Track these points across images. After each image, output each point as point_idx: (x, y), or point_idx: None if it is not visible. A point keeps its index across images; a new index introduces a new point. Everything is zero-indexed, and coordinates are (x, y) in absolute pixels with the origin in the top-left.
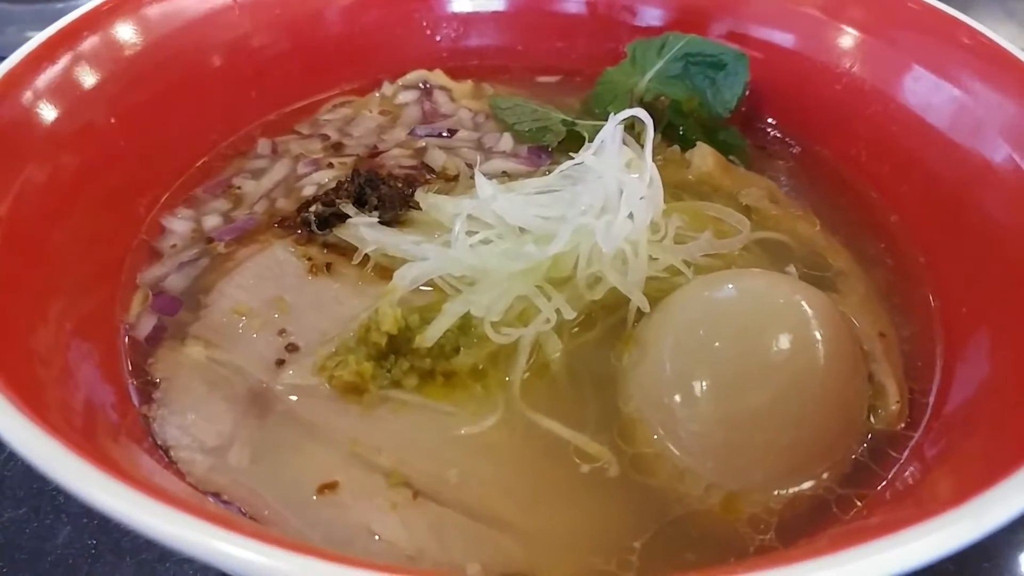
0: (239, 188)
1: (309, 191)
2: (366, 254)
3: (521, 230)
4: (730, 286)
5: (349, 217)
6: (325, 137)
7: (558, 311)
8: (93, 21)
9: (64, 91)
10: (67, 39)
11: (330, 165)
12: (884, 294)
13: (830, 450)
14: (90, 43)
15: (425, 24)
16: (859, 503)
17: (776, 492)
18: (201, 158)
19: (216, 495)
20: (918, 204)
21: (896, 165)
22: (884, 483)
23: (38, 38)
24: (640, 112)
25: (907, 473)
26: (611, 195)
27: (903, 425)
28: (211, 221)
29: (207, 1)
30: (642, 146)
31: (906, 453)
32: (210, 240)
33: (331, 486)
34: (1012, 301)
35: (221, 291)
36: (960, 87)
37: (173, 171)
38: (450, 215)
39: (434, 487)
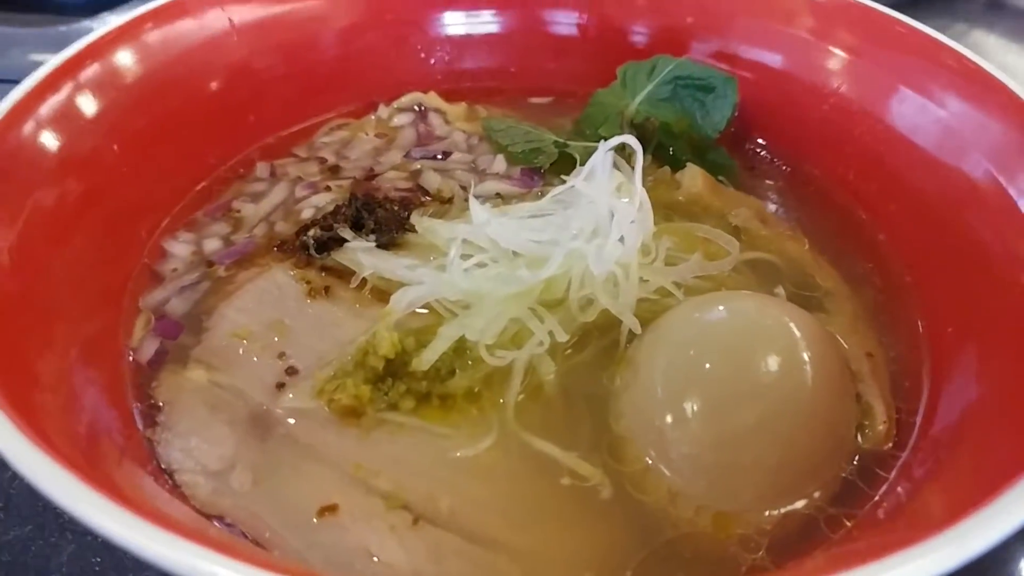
0: (239, 211)
1: (307, 214)
2: (363, 277)
3: (515, 254)
4: (720, 308)
5: (346, 241)
6: (322, 160)
7: (551, 333)
8: (96, 51)
9: (68, 119)
10: (71, 69)
11: (328, 188)
12: (872, 313)
13: (819, 470)
14: (93, 71)
15: (419, 47)
16: (848, 523)
17: (766, 512)
18: (201, 182)
19: (220, 518)
20: (905, 224)
21: (883, 185)
22: (873, 503)
23: (43, 69)
24: (630, 139)
25: (896, 493)
26: (602, 219)
27: (890, 445)
28: (211, 244)
29: (205, 27)
30: (633, 167)
31: (894, 473)
32: (211, 264)
33: (331, 508)
34: (998, 320)
35: (222, 314)
36: (945, 108)
37: (174, 195)
38: (445, 239)
39: (431, 509)
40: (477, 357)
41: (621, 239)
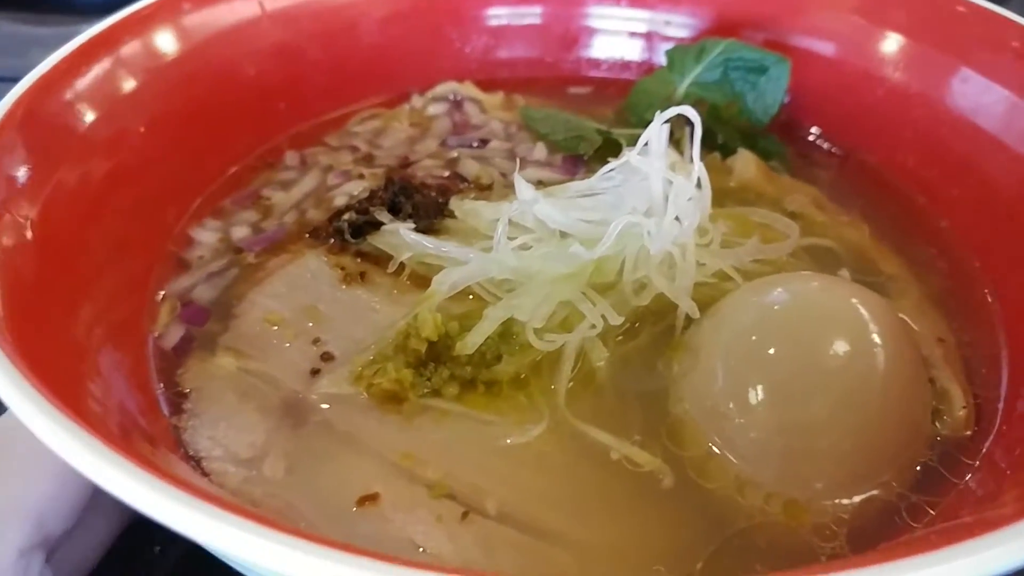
0: (268, 199)
1: (340, 201)
2: (401, 263)
3: (562, 235)
4: (784, 290)
5: (383, 225)
6: (355, 149)
7: (603, 317)
8: (130, 27)
9: (97, 96)
10: (105, 43)
11: (361, 176)
12: (939, 300)
13: (894, 456)
14: (127, 49)
15: (455, 36)
16: (932, 511)
17: (839, 500)
18: (229, 169)
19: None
20: (970, 208)
21: (945, 169)
22: (956, 490)
23: (79, 38)
24: (687, 109)
25: (980, 480)
26: (656, 197)
27: (971, 432)
28: (240, 232)
29: (237, 11)
30: (681, 152)
31: (978, 461)
32: (239, 251)
33: (372, 498)
34: None
35: (252, 301)
36: (1010, 88)
37: (201, 182)
38: (488, 221)
39: (479, 499)
40: (524, 342)
41: (677, 218)
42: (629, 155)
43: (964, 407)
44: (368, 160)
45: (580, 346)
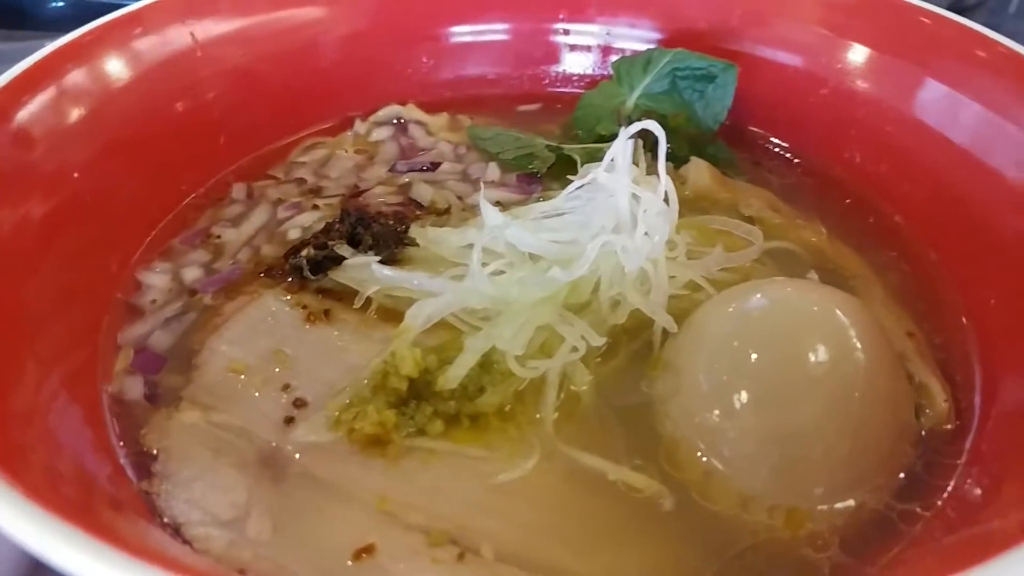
0: (218, 237)
1: (294, 234)
2: (368, 297)
3: (532, 257)
4: (761, 297)
5: (344, 259)
6: (302, 181)
7: (584, 339)
8: (46, 69)
9: (20, 145)
10: (20, 89)
11: (315, 207)
12: (900, 295)
13: (888, 454)
14: (47, 93)
15: (395, 60)
16: (926, 513)
17: (839, 505)
18: (173, 209)
19: (241, 573)
20: (922, 202)
21: (894, 165)
22: (948, 493)
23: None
24: (651, 124)
25: (968, 475)
26: (623, 214)
27: (952, 425)
28: (192, 273)
29: (167, 43)
30: (636, 165)
31: (964, 457)
32: (193, 292)
33: (367, 550)
34: None
35: (212, 349)
36: (949, 83)
37: (144, 224)
38: (455, 248)
39: (479, 540)
40: (505, 371)
41: (646, 234)
42: (596, 173)
43: (946, 400)
44: (317, 191)
45: (562, 371)
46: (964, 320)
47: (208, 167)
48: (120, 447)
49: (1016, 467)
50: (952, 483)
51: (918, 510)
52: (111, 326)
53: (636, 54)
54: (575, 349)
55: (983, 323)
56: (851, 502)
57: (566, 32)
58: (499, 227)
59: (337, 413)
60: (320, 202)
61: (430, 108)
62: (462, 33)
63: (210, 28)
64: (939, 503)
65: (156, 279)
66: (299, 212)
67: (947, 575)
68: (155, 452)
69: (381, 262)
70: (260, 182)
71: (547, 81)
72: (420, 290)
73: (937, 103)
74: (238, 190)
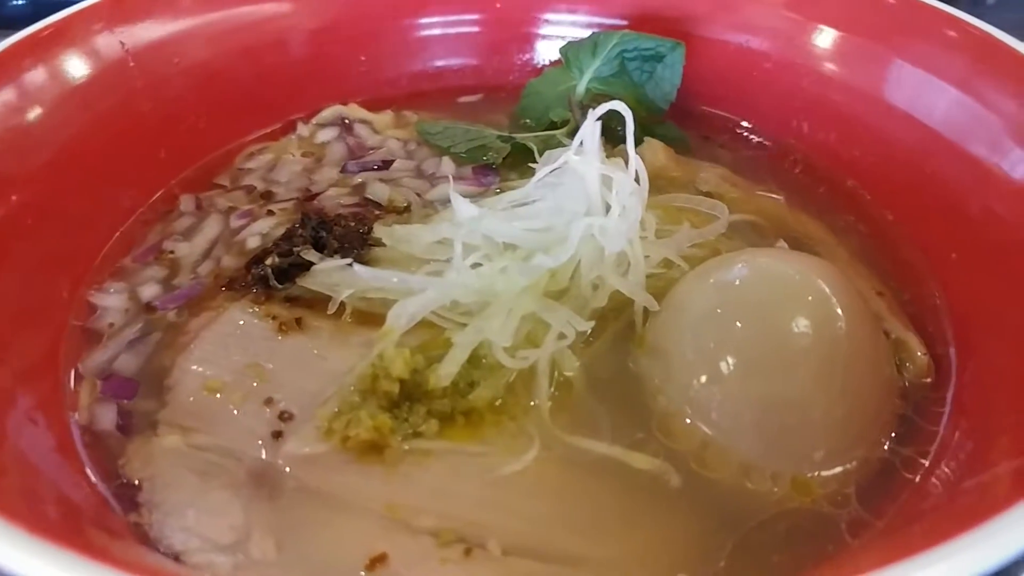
0: (171, 252)
1: (253, 243)
2: (341, 302)
3: (506, 247)
4: (738, 267)
5: (311, 265)
6: (251, 188)
7: (570, 325)
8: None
9: None
10: None
11: (270, 212)
12: (863, 256)
13: (879, 413)
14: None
15: (332, 59)
16: (924, 461)
17: (840, 468)
18: (119, 227)
19: None
20: (872, 166)
21: (842, 133)
22: (938, 439)
23: None
24: (619, 105)
25: (957, 426)
26: (593, 197)
27: (931, 378)
28: (149, 291)
29: (96, 54)
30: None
31: (948, 406)
32: (152, 310)
33: (380, 559)
34: (989, 234)
35: (183, 369)
36: (885, 47)
37: (91, 243)
38: (425, 245)
39: (488, 536)
40: (494, 363)
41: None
42: (566, 157)
43: (924, 352)
44: (267, 197)
45: (551, 359)
46: (928, 275)
47: (151, 180)
48: (100, 480)
49: (1001, 414)
50: (940, 432)
51: (919, 458)
52: (69, 354)
53: (582, 39)
54: (563, 336)
55: (947, 277)
56: (853, 463)
57: (503, 22)
58: (475, 219)
59: (327, 422)
60: (274, 207)
61: (371, 106)
62: (399, 30)
63: (140, 36)
64: (934, 450)
65: (111, 300)
66: (253, 220)
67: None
68: (137, 482)
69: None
70: (208, 192)
71: (489, 72)
72: (400, 288)
73: (875, 69)
74: (186, 202)
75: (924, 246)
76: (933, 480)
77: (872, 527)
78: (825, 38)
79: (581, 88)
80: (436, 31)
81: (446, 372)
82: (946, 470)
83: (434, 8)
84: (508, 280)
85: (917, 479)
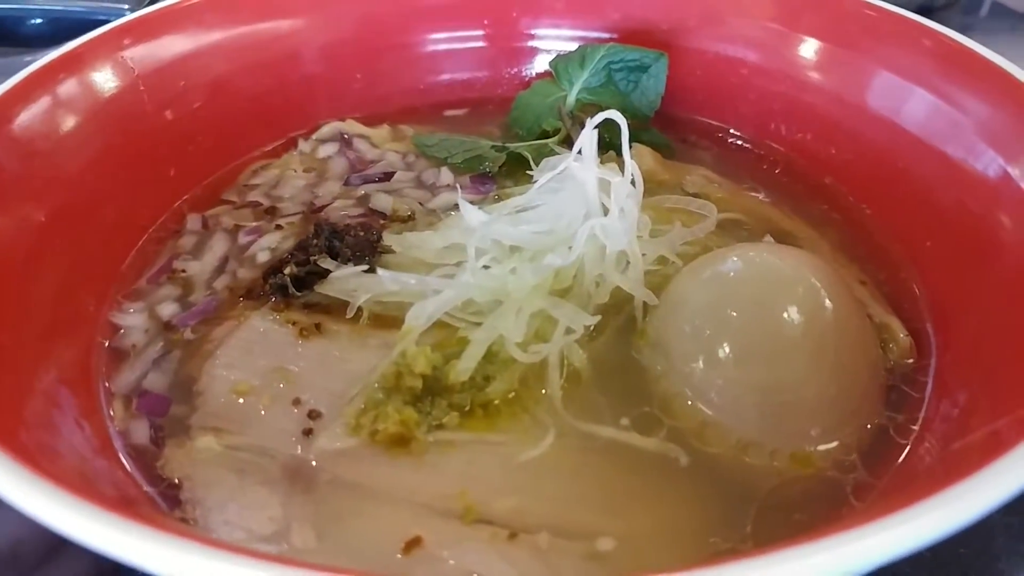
0: (183, 271)
1: (263, 256)
2: (359, 306)
3: (512, 249)
4: (732, 260)
5: (328, 273)
6: (256, 204)
7: (577, 320)
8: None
9: None
10: None
11: (278, 227)
12: (842, 248)
13: (869, 390)
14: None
15: (328, 78)
16: (914, 427)
17: (836, 443)
18: (134, 245)
19: None
20: (847, 163)
21: (817, 132)
22: (924, 408)
23: None
24: (615, 114)
25: (941, 396)
26: (592, 200)
27: (913, 359)
28: (167, 309)
29: (108, 79)
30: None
31: (931, 380)
32: (171, 328)
33: (415, 542)
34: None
35: (211, 375)
36: (857, 51)
37: (110, 263)
38: (435, 250)
39: (517, 517)
40: (507, 358)
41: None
42: (567, 163)
43: (906, 333)
44: (273, 212)
45: (560, 352)
46: (906, 263)
47: (163, 199)
48: (145, 483)
49: (978, 384)
50: (926, 401)
51: (909, 426)
52: (99, 371)
53: (569, 52)
54: (571, 331)
55: (923, 264)
56: (847, 438)
57: (492, 38)
58: (485, 224)
59: (355, 419)
60: (281, 222)
61: (366, 122)
62: (394, 48)
63: (147, 60)
64: (920, 420)
65: (132, 319)
66: (261, 235)
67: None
68: (177, 481)
69: (370, 270)
70: (214, 209)
71: (478, 86)
72: (416, 291)
73: (847, 73)
74: (192, 221)
75: (900, 236)
76: (925, 444)
77: (874, 488)
78: (798, 45)
79: (571, 99)
80: (428, 49)
81: (465, 367)
82: (934, 435)
83: (427, 28)
84: (519, 280)
85: (909, 445)
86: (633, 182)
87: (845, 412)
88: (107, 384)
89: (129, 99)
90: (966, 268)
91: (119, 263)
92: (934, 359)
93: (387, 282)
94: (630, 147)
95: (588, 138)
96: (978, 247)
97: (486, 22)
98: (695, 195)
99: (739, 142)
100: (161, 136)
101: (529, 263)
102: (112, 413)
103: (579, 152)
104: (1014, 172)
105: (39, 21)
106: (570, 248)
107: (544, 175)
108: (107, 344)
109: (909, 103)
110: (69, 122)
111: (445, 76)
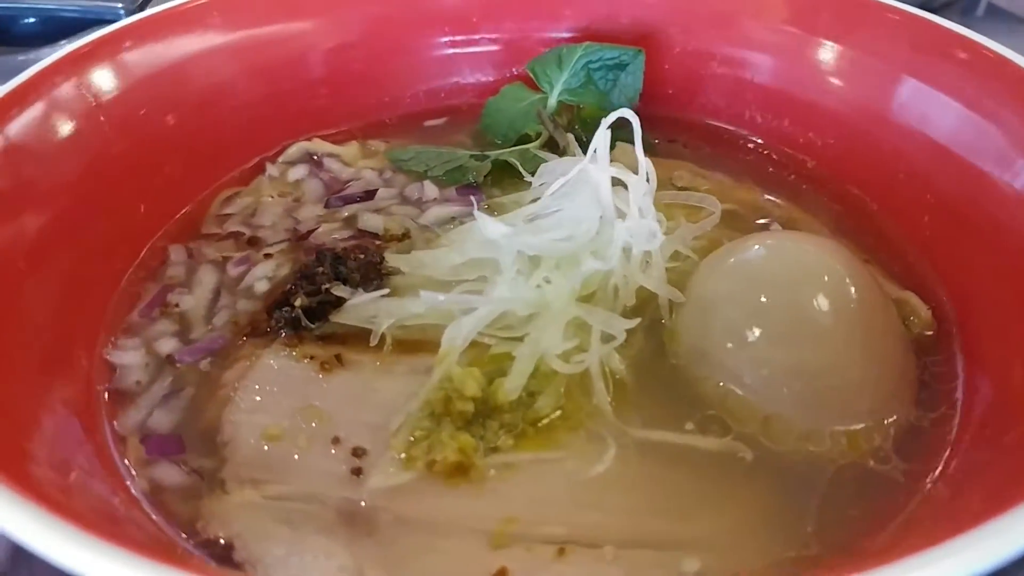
0: (177, 305)
1: (262, 287)
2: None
3: (531, 260)
4: (754, 249)
5: (342, 301)
6: (238, 235)
7: (616, 326)
8: None
9: None
10: None
11: (267, 256)
12: (839, 230)
13: (907, 364)
14: None
15: (290, 96)
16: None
17: (885, 420)
18: (115, 289)
19: None
20: (828, 147)
21: (794, 117)
22: (958, 380)
23: None
24: (627, 112)
25: (974, 372)
26: (606, 202)
27: (932, 331)
28: (166, 345)
29: (69, 112)
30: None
31: (958, 350)
32: (173, 361)
33: (501, 573)
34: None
35: (234, 422)
36: (835, 39)
37: (92, 307)
38: (450, 267)
39: (594, 535)
40: (548, 372)
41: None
42: (582, 166)
43: (928, 308)
44: (256, 243)
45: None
46: (904, 240)
47: (137, 237)
48: (188, 543)
49: (1011, 351)
50: (959, 371)
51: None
52: (104, 416)
53: (545, 54)
54: (610, 337)
55: (923, 239)
56: (894, 416)
57: (456, 44)
58: (509, 236)
59: (406, 451)
60: (270, 251)
61: (332, 139)
62: (356, 62)
63: (105, 89)
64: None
65: (129, 357)
66: (252, 265)
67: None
68: (223, 540)
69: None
70: (193, 242)
71: (443, 94)
72: (445, 310)
73: (813, 53)
74: (176, 252)
75: (894, 214)
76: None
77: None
78: (762, 32)
79: (553, 101)
80: (390, 62)
81: (514, 386)
82: (974, 408)
83: (386, 40)
84: (556, 289)
85: (953, 422)
86: (648, 180)
87: (889, 386)
88: (115, 429)
89: (92, 132)
90: (967, 238)
91: (103, 307)
92: (957, 331)
93: (411, 305)
94: (614, 146)
95: (602, 139)
96: (977, 217)
97: (447, 28)
98: (685, 189)
99: (718, 134)
100: (128, 169)
101: (557, 271)
102: (127, 462)
103: (595, 153)
104: (1004, 137)
105: (32, 20)
106: (592, 253)
107: (554, 181)
108: (107, 387)
109: (880, 85)
110: (37, 165)
111: (410, 88)
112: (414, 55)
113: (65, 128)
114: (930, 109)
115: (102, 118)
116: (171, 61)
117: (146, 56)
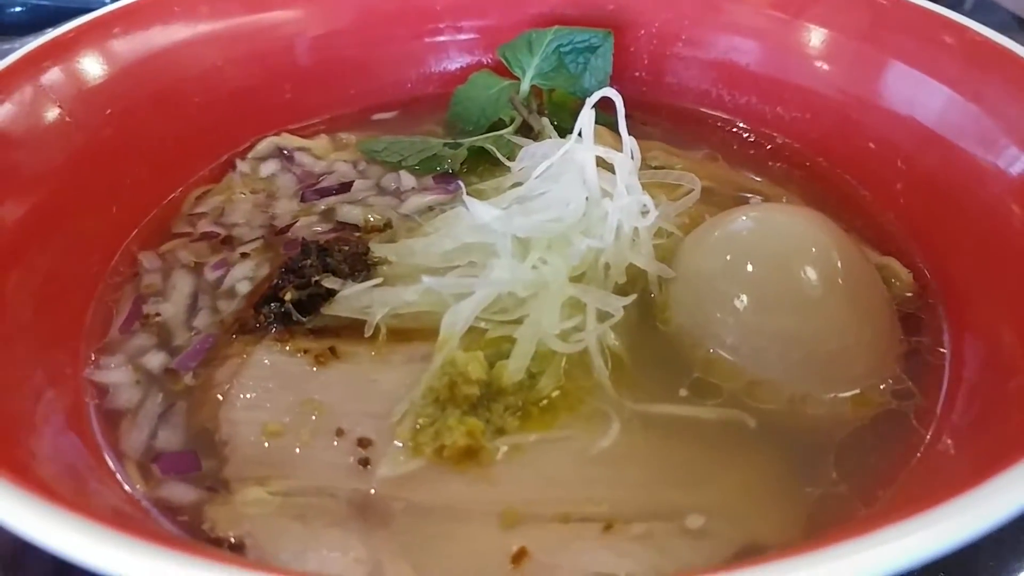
0: (157, 315)
1: (244, 287)
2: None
3: (520, 242)
4: (740, 221)
5: (332, 293)
6: (212, 235)
7: (611, 303)
8: None
9: None
10: None
11: (244, 255)
12: (811, 200)
13: (894, 324)
14: None
15: (256, 92)
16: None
17: (881, 385)
18: (92, 296)
19: None
20: (794, 120)
21: (761, 94)
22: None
23: None
24: (611, 91)
25: (961, 327)
26: (591, 182)
27: (912, 292)
28: (154, 360)
29: (33, 116)
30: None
31: (943, 311)
32: (171, 373)
33: (522, 553)
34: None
35: (231, 420)
36: (794, 13)
37: (71, 319)
38: (440, 253)
39: (607, 509)
40: (547, 352)
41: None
42: (567, 147)
43: (908, 270)
44: (230, 242)
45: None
46: (879, 207)
47: (110, 240)
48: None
49: (991, 306)
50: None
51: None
52: (100, 437)
53: (515, 39)
54: (606, 315)
55: (897, 206)
56: (888, 379)
57: (418, 34)
58: (501, 219)
59: (413, 438)
60: (246, 249)
61: (301, 133)
62: (319, 51)
63: (68, 89)
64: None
65: (116, 375)
66: (229, 266)
67: None
68: (233, 540)
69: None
70: (166, 244)
71: (409, 85)
72: (439, 297)
73: (780, 29)
74: (148, 259)
75: (866, 182)
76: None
77: (933, 413)
78: (726, 10)
79: (526, 86)
80: (353, 52)
81: (517, 367)
82: (963, 354)
83: (350, 32)
84: (553, 270)
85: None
86: (632, 157)
87: (881, 346)
88: (118, 449)
89: (58, 134)
90: (941, 199)
91: (82, 318)
92: (938, 289)
93: (404, 293)
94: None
95: (587, 118)
96: (949, 179)
97: (411, 19)
98: (660, 167)
99: (685, 113)
100: (97, 171)
101: (551, 252)
102: (131, 479)
103: (579, 134)
104: (975, 105)
105: (19, 9)
106: (583, 232)
107: (535, 164)
108: (99, 406)
109: (840, 55)
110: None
111: (376, 80)
112: (378, 47)
113: (33, 125)
114: (889, 75)
115: (68, 119)
116: (131, 62)
117: (103, 58)
